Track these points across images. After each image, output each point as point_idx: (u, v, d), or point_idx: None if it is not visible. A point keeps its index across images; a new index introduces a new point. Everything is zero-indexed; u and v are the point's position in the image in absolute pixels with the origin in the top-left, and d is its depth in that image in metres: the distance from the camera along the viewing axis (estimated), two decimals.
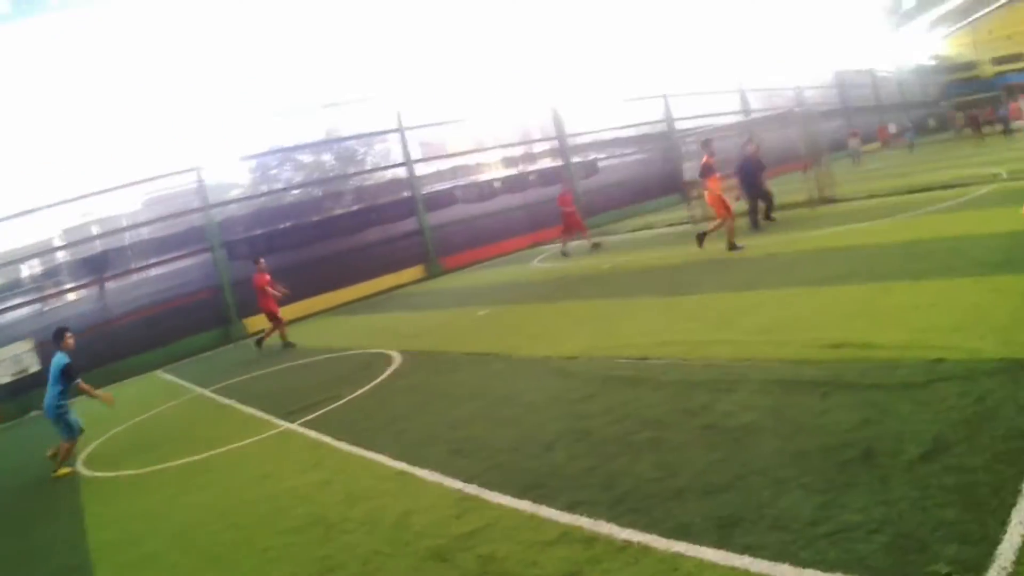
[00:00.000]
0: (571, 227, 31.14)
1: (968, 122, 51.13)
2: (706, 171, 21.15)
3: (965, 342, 8.40)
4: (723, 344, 11.06)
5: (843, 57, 72.79)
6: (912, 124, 62.28)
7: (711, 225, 21.90)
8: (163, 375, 24.34)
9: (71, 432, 13.72)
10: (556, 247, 33.80)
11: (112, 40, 28.72)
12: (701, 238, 21.57)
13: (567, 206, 30.92)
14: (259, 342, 23.94)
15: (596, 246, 30.58)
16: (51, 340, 14.53)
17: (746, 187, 25.05)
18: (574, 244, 30.96)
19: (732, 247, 20.22)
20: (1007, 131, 52.27)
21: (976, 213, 18.10)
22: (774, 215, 25.62)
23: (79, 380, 13.85)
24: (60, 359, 13.94)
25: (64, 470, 13.59)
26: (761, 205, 25.38)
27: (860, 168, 46.03)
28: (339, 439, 10.97)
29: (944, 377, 7.49)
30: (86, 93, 28.81)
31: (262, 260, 23.75)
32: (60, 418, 13.72)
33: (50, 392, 13.73)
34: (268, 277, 22.95)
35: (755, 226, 24.83)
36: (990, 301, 9.91)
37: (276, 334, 23.27)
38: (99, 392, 14.45)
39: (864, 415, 7.06)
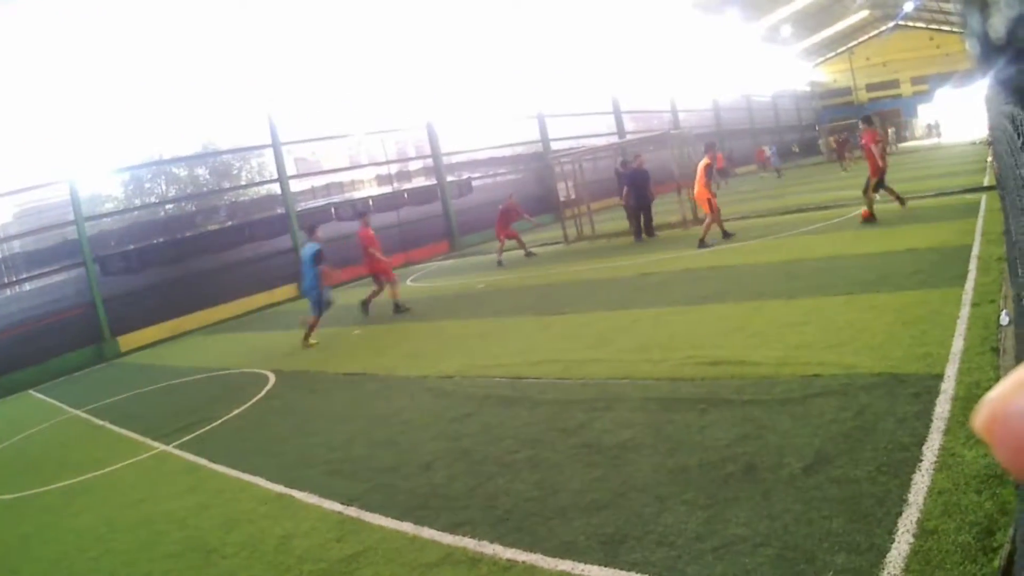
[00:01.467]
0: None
1: (836, 148, 51.47)
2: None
3: (841, 358, 8.50)
4: (600, 363, 11.04)
5: (720, 81, 74.12)
6: (775, 149, 62.90)
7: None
8: (35, 395, 23.44)
9: (320, 309, 18.27)
10: (431, 265, 33.60)
11: None
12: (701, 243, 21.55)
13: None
14: (365, 304, 23.72)
15: (530, 255, 29.72)
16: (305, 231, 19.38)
17: (635, 198, 25.67)
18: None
19: (703, 244, 21.14)
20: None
21: (848, 234, 18.53)
22: (657, 233, 26.17)
23: (324, 265, 19.16)
24: (312, 247, 19.31)
25: (312, 342, 19.03)
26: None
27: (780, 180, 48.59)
28: (215, 461, 10.60)
29: (821, 392, 7.56)
30: None
31: (367, 215, 24.25)
32: (315, 296, 18.82)
33: (308, 275, 19.11)
34: (373, 234, 23.02)
35: (639, 237, 25.49)
36: (864, 318, 10.07)
37: (384, 294, 23.23)
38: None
39: (743, 431, 7.05)
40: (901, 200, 20.72)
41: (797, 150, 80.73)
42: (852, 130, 59.59)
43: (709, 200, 21.37)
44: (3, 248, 30.76)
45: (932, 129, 79.04)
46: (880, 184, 20.25)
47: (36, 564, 8.28)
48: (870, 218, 19.36)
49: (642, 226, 26.59)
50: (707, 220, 21.82)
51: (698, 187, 21.75)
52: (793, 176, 51.12)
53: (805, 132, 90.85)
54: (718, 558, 4.97)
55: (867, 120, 21.52)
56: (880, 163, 20.06)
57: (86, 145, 30.55)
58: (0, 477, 13.10)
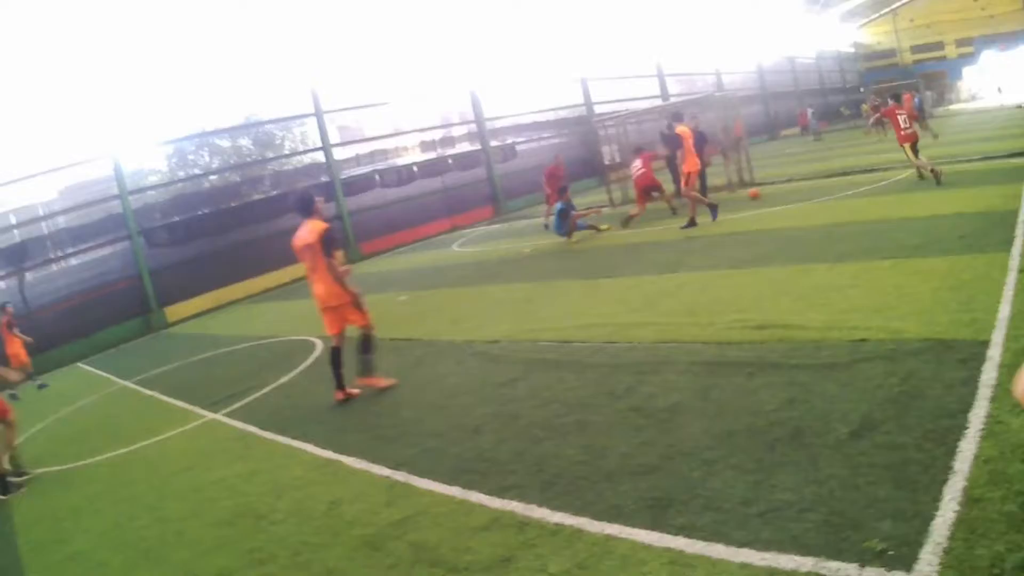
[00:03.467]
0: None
1: (871, 113, 47.90)
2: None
3: (887, 323, 8.46)
4: (646, 326, 11.05)
5: (763, 43, 73.29)
6: (812, 112, 61.77)
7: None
8: (85, 367, 23.73)
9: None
10: (476, 230, 33.58)
11: (25, 24, 28.00)
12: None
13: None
14: (626, 221, 23.56)
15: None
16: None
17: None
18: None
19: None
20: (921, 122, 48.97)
21: (895, 197, 18.35)
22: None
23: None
24: (560, 206, 22.96)
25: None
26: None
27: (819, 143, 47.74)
28: (265, 429, 10.77)
29: (868, 357, 7.55)
30: None
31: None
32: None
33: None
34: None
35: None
36: (910, 283, 10.00)
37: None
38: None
39: (790, 395, 7.08)
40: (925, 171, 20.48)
41: (847, 112, 79.43)
42: (886, 95, 58.18)
43: (689, 174, 20.40)
44: (49, 224, 31.03)
45: (976, 92, 77.79)
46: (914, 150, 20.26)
47: (87, 534, 8.42)
48: (936, 174, 19.05)
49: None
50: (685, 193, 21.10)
51: (689, 158, 20.34)
52: (837, 139, 50.36)
53: (850, 94, 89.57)
54: (765, 523, 5.01)
55: (895, 96, 21.54)
56: (902, 132, 20.23)
57: (129, 120, 30.75)
58: (50, 449, 13.38)
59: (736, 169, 28.07)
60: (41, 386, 21.55)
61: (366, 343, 11.35)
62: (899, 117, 20.05)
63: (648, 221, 22.93)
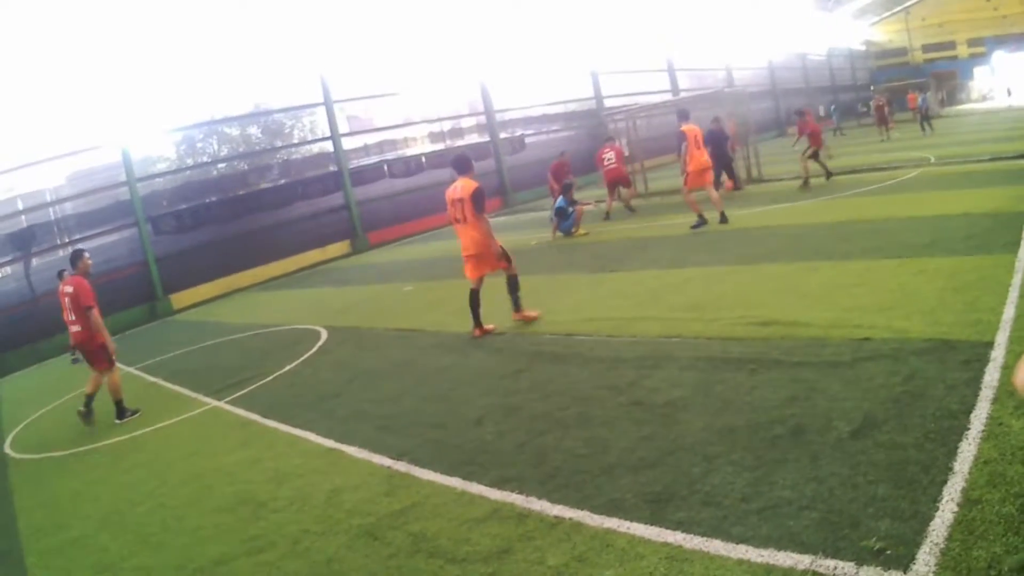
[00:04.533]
0: None
1: (877, 112, 46.05)
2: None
3: (892, 322, 8.47)
4: (651, 321, 11.08)
5: (775, 39, 73.14)
6: (837, 108, 61.80)
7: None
8: None
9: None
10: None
11: (34, 11, 28.00)
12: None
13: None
14: (606, 216, 24.14)
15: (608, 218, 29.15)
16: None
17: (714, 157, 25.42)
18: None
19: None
20: (924, 121, 45.59)
21: (902, 196, 18.35)
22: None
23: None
24: (559, 204, 22.92)
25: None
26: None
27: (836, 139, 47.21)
28: (267, 417, 10.77)
29: (871, 356, 7.55)
30: (6, 67, 28.06)
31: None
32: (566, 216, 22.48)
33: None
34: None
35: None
36: (916, 282, 10.01)
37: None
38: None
39: (792, 392, 7.08)
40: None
41: (865, 109, 79.27)
42: (898, 92, 57.75)
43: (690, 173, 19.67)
44: (56, 210, 31.07)
45: (987, 93, 77.68)
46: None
47: (86, 520, 8.43)
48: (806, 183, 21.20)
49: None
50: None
51: (699, 157, 19.63)
52: (854, 136, 50.40)
53: (861, 92, 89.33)
54: (763, 519, 5.02)
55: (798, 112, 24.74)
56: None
57: (138, 107, 30.72)
58: (52, 434, 13.39)
59: (744, 166, 28.10)
60: (75, 360, 21.45)
61: (512, 283, 12.97)
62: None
63: (654, 215, 22.92)
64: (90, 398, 13.03)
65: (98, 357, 13.17)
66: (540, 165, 39.79)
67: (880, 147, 36.10)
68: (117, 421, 12.78)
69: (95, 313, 12.93)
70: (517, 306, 13.09)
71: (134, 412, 13.00)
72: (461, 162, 12.94)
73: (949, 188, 18.03)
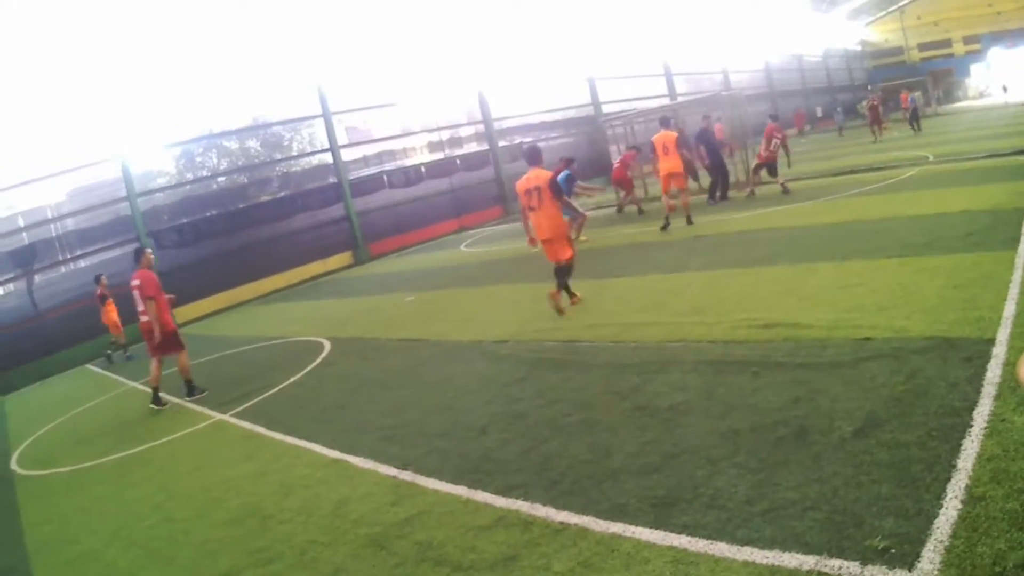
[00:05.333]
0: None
1: (869, 113, 45.78)
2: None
3: (892, 321, 8.48)
4: (653, 326, 11.09)
5: (771, 42, 73.22)
6: (842, 108, 61.93)
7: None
8: (93, 369, 23.82)
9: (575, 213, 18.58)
10: (484, 231, 33.61)
11: (33, 26, 28.07)
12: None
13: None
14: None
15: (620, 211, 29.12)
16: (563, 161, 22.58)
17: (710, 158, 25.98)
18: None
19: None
20: (913, 123, 45.23)
21: (902, 195, 18.35)
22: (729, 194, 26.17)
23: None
24: (566, 174, 21.87)
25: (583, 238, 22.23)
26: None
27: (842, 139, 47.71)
28: (272, 429, 10.81)
29: (873, 356, 7.56)
30: (5, 83, 28.11)
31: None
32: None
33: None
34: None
35: (712, 200, 25.97)
36: (916, 281, 10.01)
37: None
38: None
39: (795, 394, 7.10)
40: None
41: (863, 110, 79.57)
42: (893, 92, 57.63)
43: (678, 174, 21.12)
44: (57, 226, 31.11)
45: (984, 90, 77.73)
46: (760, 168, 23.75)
47: (94, 534, 8.45)
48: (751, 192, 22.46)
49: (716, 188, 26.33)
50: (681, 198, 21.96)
51: (667, 162, 20.94)
52: (854, 135, 50.45)
53: (857, 92, 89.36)
54: (767, 521, 5.03)
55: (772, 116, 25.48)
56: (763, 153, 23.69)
57: (137, 122, 30.81)
58: (59, 450, 13.40)
59: (744, 168, 28.14)
60: (129, 357, 23.29)
61: (567, 269, 13.76)
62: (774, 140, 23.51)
63: (656, 220, 22.92)
64: (156, 390, 14.37)
65: (168, 343, 14.36)
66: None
67: (877, 147, 36.10)
68: (187, 398, 14.23)
69: (153, 303, 14.07)
70: (560, 288, 13.71)
71: (203, 391, 14.41)
72: (533, 154, 13.67)
73: (948, 186, 18.02)
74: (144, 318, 14.32)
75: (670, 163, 20.64)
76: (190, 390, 14.33)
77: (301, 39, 35.33)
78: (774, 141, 23.89)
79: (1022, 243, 10.72)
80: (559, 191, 13.38)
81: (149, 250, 14.79)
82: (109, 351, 23.81)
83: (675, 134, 21.09)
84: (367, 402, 11.03)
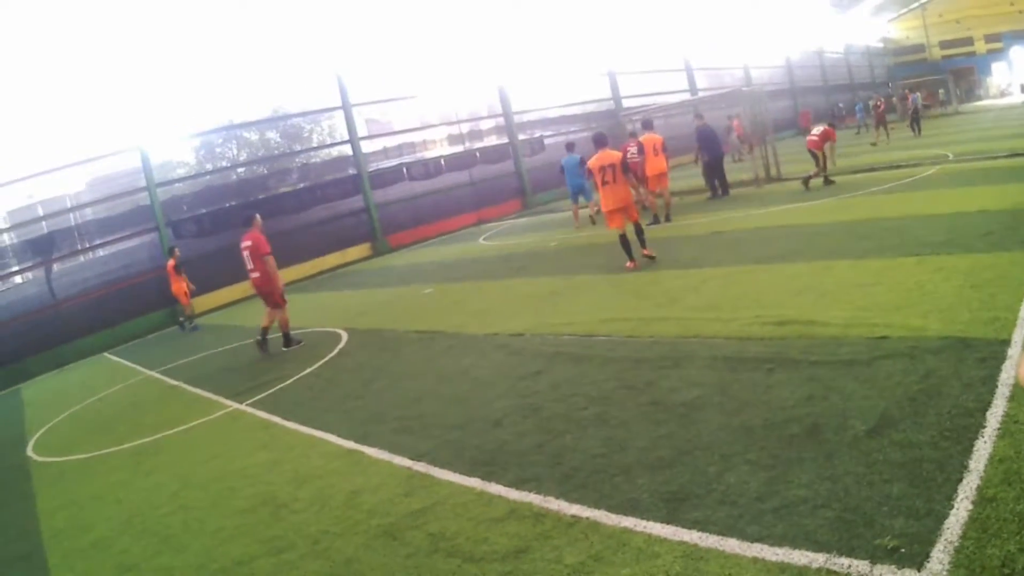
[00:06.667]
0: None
1: (875, 114, 43.71)
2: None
3: (908, 320, 8.47)
4: (669, 321, 11.10)
5: (792, 37, 72.88)
6: (862, 106, 61.47)
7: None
8: (111, 357, 23.91)
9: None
10: (503, 224, 33.58)
11: (54, 16, 28.13)
12: None
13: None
14: (806, 181, 24.33)
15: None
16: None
17: (706, 154, 26.99)
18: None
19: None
20: (914, 125, 43.89)
21: (920, 194, 18.29)
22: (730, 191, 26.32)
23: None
24: (574, 158, 26.13)
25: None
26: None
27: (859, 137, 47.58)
28: (287, 419, 10.86)
29: (888, 354, 7.55)
30: (25, 72, 28.21)
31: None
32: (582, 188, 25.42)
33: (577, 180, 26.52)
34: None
35: (714, 195, 26.63)
36: (933, 280, 9.98)
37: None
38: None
39: (809, 391, 7.10)
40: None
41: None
42: (913, 90, 57.04)
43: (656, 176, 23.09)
44: (77, 215, 31.22)
45: (1005, 88, 77.34)
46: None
47: (108, 522, 8.52)
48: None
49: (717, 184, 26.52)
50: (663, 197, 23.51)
51: (655, 163, 22.97)
52: (861, 136, 50.21)
53: (879, 89, 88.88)
54: (779, 518, 5.04)
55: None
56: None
57: (157, 112, 30.87)
58: (75, 437, 13.51)
59: (763, 164, 28.07)
60: (194, 328, 24.71)
61: (640, 230, 16.46)
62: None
63: (673, 214, 22.91)
64: (265, 331, 16.44)
65: (274, 297, 16.25)
66: (559, 166, 39.83)
67: (896, 145, 35.94)
68: (284, 349, 16.30)
69: (271, 259, 15.81)
70: (644, 243, 16.42)
71: (299, 342, 16.55)
72: (601, 137, 16.40)
73: (966, 185, 17.95)
74: (254, 275, 16.19)
75: (659, 163, 22.71)
76: (287, 341, 16.39)
77: (322, 30, 35.34)
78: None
79: None
80: (628, 167, 16.13)
81: (258, 215, 16.52)
82: (183, 318, 25.48)
83: (661, 137, 23.30)
84: (383, 393, 11.07)
